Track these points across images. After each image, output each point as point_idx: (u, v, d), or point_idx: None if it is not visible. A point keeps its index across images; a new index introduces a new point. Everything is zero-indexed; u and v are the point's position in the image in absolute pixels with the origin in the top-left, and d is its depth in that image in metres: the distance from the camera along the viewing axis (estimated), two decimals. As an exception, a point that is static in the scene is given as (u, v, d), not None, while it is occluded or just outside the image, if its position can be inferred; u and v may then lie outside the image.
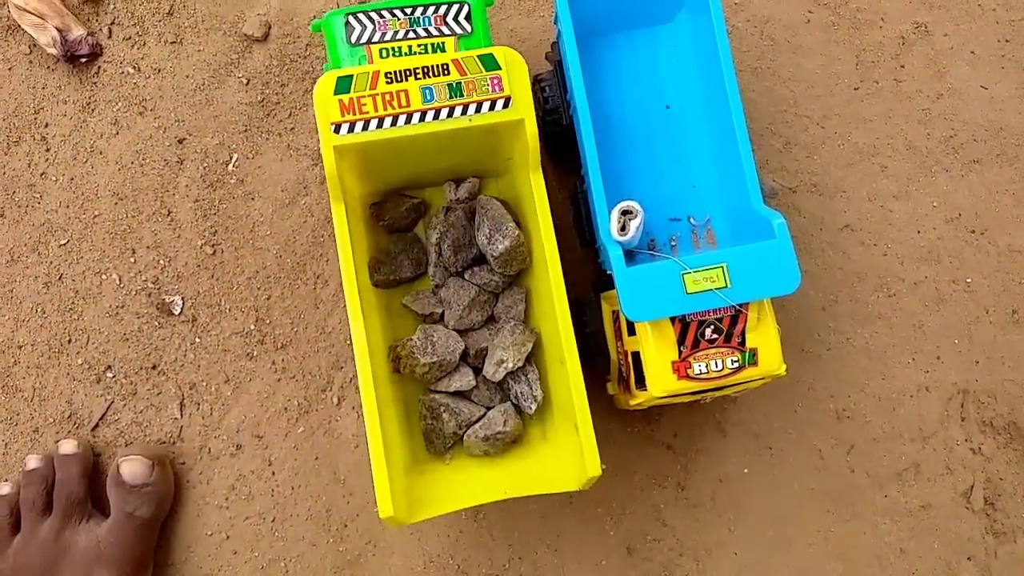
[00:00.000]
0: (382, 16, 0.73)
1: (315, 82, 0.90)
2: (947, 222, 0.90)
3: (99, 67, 0.91)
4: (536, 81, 0.85)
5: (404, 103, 0.68)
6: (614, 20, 0.81)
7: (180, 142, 0.90)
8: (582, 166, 0.78)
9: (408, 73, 0.68)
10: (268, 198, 0.89)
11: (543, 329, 0.78)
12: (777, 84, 0.93)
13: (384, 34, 0.73)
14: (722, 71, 0.74)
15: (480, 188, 0.82)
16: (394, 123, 0.68)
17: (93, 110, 0.91)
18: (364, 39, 0.73)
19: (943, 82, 0.93)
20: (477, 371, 0.80)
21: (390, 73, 0.68)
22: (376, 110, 0.68)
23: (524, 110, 0.69)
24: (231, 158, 0.90)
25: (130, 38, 0.92)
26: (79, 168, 0.89)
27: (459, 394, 0.79)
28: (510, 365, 0.76)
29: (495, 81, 0.69)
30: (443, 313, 0.81)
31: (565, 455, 0.72)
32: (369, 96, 0.68)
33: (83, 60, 0.91)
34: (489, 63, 0.69)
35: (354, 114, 0.67)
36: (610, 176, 0.78)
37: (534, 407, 0.76)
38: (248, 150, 0.90)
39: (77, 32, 0.90)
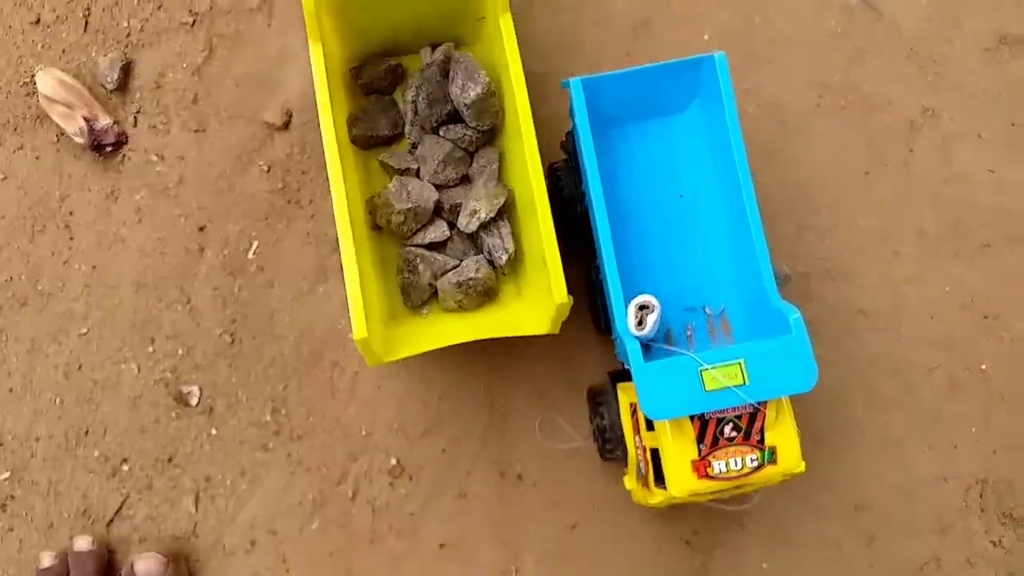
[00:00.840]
0: None
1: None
2: (960, 307, 0.91)
3: (124, 155, 0.94)
4: (551, 170, 0.86)
5: None
6: (628, 111, 0.82)
7: (201, 229, 0.91)
8: (597, 254, 0.79)
9: None
10: (287, 285, 0.90)
11: (517, 190, 0.81)
12: (789, 168, 0.94)
13: None
14: (735, 159, 0.75)
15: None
16: None
17: (117, 198, 0.92)
18: None
19: (951, 166, 0.95)
20: (452, 226, 0.83)
21: None
22: None
23: None
24: (251, 245, 0.91)
25: (155, 126, 0.94)
26: (102, 256, 0.91)
27: (434, 246, 0.82)
28: (483, 215, 0.79)
29: None
30: (419, 169, 0.84)
31: (536, 303, 0.76)
32: None
33: (109, 149, 0.93)
34: None
35: None
36: (625, 265, 0.79)
37: (505, 258, 0.79)
38: (269, 237, 0.91)
39: (104, 121, 0.93)
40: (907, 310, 0.90)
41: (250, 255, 0.91)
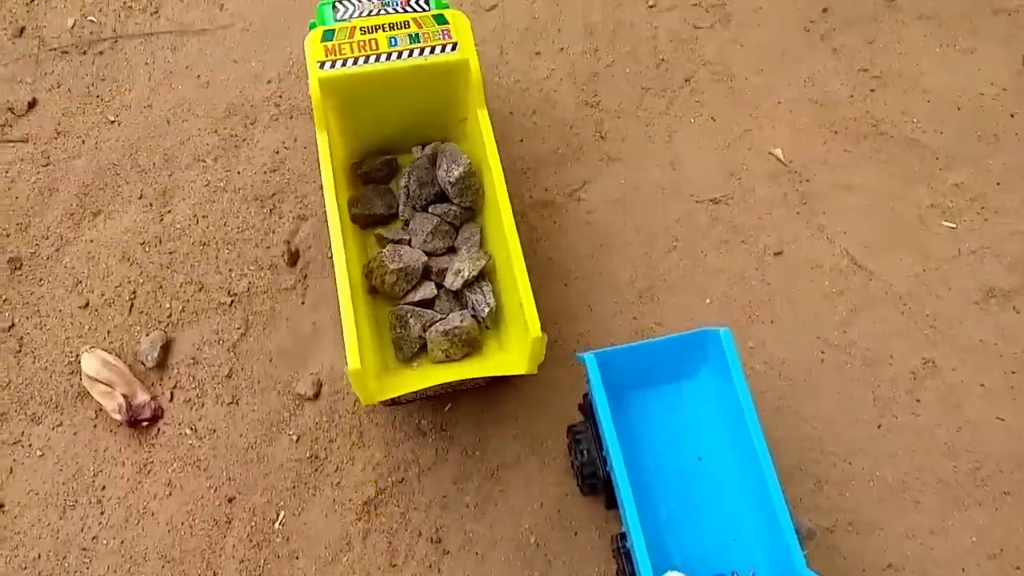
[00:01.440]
0: (360, 1, 0.95)
1: (361, 435, 0.95)
2: (989, 559, 0.90)
3: (159, 429, 0.97)
4: (571, 432, 0.90)
5: (374, 47, 0.88)
6: (642, 379, 0.87)
7: (230, 501, 0.93)
8: (623, 522, 0.80)
9: (377, 27, 0.89)
10: (312, 556, 0.90)
11: (496, 256, 0.92)
12: (800, 423, 0.97)
13: (361, 12, 0.94)
14: (747, 423, 0.78)
15: (441, 150, 1.00)
16: (366, 61, 0.88)
17: (149, 471, 0.95)
18: (346, 16, 0.93)
19: (960, 415, 0.97)
20: (439, 287, 0.93)
21: (364, 27, 0.89)
22: (352, 52, 0.88)
23: (467, 52, 0.89)
24: (278, 515, 0.92)
25: (190, 400, 0.99)
26: (130, 531, 0.92)
27: (423, 303, 0.92)
28: (466, 274, 0.90)
29: (445, 32, 0.89)
30: (410, 240, 0.95)
31: (515, 348, 0.85)
32: (347, 43, 0.88)
33: (145, 424, 0.97)
34: (440, 20, 0.90)
35: (335, 55, 0.87)
36: (651, 531, 0.80)
37: (487, 310, 0.89)
38: (295, 507, 0.93)
39: (142, 397, 0.98)
40: (936, 563, 0.89)
41: (276, 525, 0.92)
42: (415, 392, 0.84)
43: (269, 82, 1.16)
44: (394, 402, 0.92)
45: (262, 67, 1.17)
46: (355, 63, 0.88)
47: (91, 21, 1.20)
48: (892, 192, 1.10)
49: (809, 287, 1.05)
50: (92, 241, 1.07)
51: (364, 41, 0.89)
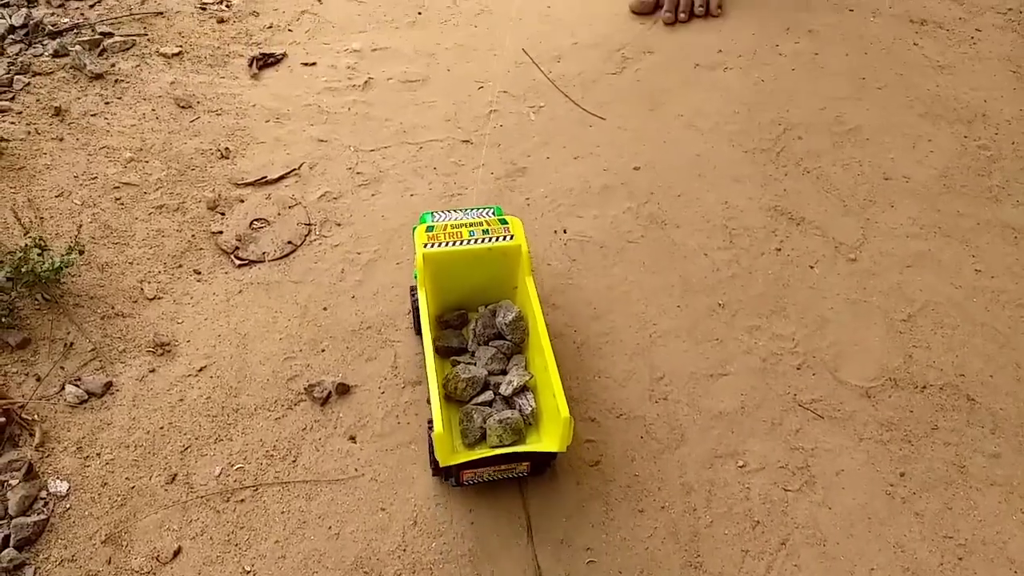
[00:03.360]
0: (452, 211, 1.48)
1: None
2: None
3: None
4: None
5: (459, 236, 1.41)
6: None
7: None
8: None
9: (462, 225, 1.43)
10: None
11: (538, 378, 1.36)
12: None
13: (450, 219, 1.46)
14: None
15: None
16: (454, 244, 1.39)
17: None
18: (441, 220, 1.44)
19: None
20: (496, 394, 1.36)
21: (453, 224, 1.43)
22: (445, 238, 1.40)
23: (520, 241, 1.41)
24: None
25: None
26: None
27: (484, 404, 1.35)
28: (516, 384, 1.34)
29: (506, 230, 1.42)
30: (476, 363, 1.42)
31: (550, 434, 1.25)
32: (442, 233, 1.40)
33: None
34: (503, 222, 1.43)
35: (434, 240, 1.39)
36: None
37: (529, 410, 1.31)
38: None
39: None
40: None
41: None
42: (477, 473, 1.23)
43: (395, 535, 1.26)
44: (458, 483, 1.28)
45: (388, 519, 1.28)
46: (446, 245, 1.39)
47: (236, 469, 1.34)
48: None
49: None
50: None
51: (453, 232, 1.41)
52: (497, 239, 1.41)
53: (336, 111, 1.99)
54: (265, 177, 1.80)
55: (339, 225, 1.73)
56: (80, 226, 1.63)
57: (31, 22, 1.94)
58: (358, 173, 1.84)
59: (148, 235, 1.65)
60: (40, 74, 1.89)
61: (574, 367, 1.49)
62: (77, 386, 1.39)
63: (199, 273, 1.60)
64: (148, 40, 2.06)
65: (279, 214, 1.73)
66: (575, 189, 1.82)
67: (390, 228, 1.72)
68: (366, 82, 2.07)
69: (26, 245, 1.44)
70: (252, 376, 1.45)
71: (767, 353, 1.51)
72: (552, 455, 1.29)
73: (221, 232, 1.67)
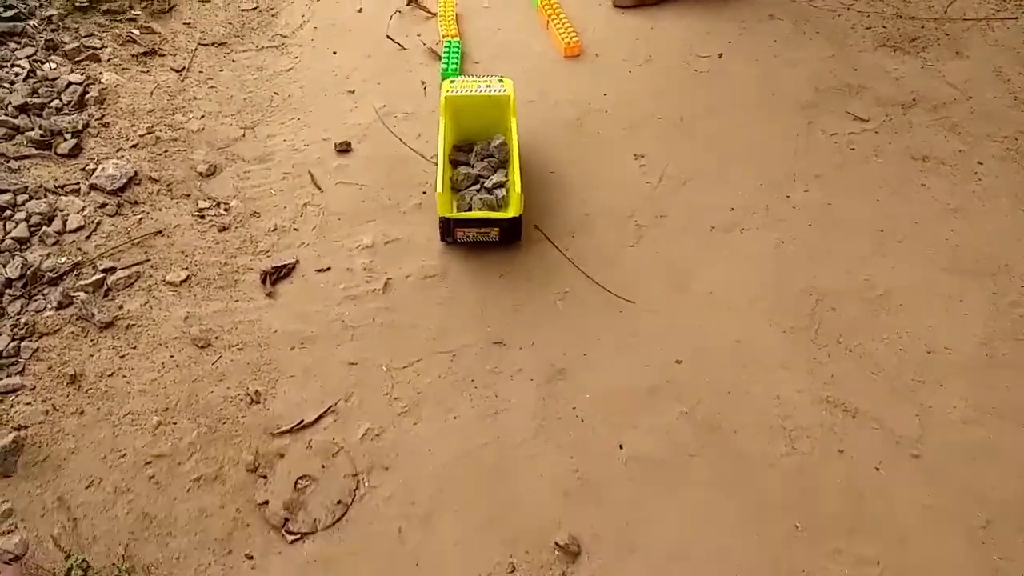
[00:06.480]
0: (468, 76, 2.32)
1: None
2: None
3: None
4: None
5: (471, 88, 2.16)
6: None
7: None
8: None
9: (471, 81, 2.19)
10: None
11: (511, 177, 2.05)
12: None
13: (467, 79, 2.21)
14: None
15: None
16: (463, 92, 2.15)
17: None
18: (460, 80, 2.21)
19: None
20: (482, 186, 2.12)
21: (466, 79, 2.23)
22: (460, 89, 2.16)
23: (510, 92, 2.16)
24: None
25: None
26: None
27: (474, 191, 2.11)
28: (495, 180, 2.10)
29: (501, 85, 2.17)
30: (473, 167, 2.16)
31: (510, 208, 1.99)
32: (460, 84, 2.18)
33: None
34: (501, 82, 2.18)
35: (453, 89, 2.16)
36: None
37: (501, 195, 2.07)
38: None
39: None
40: None
41: None
42: (464, 232, 2.00)
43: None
44: (454, 240, 2.03)
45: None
46: (460, 92, 2.15)
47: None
48: None
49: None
50: None
51: (467, 84, 2.17)
52: (494, 91, 2.15)
53: (361, 324, 1.90)
54: (302, 421, 1.70)
55: (387, 469, 1.64)
56: (125, 550, 1.51)
57: (28, 271, 1.82)
58: (396, 399, 1.76)
59: (190, 518, 1.54)
60: (47, 334, 1.77)
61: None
62: None
63: (251, 559, 1.50)
64: (152, 267, 1.94)
65: (323, 467, 1.63)
66: (622, 392, 1.77)
67: (439, 465, 1.65)
68: (385, 284, 1.99)
69: (68, 569, 1.33)
70: None
71: (857, 584, 1.47)
72: (515, 227, 2.00)
73: (267, 502, 1.57)
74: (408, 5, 2.87)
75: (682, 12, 2.84)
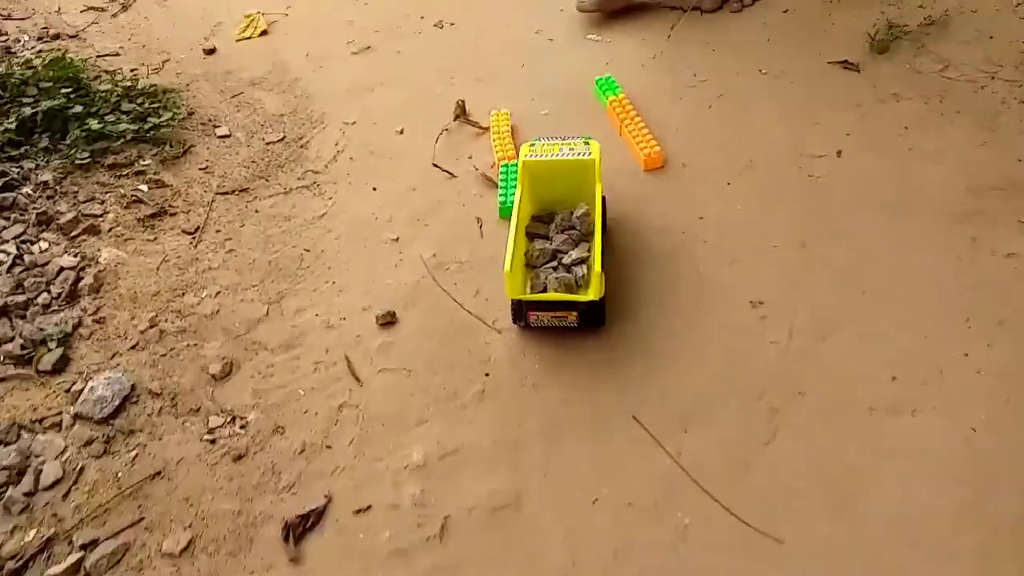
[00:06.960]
0: (552, 137, 1.97)
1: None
2: None
3: None
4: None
5: (551, 151, 1.91)
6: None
7: None
8: None
9: (554, 144, 1.94)
10: None
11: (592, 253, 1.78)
12: None
13: (550, 140, 1.96)
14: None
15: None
16: (543, 156, 1.91)
17: None
18: (541, 142, 1.96)
19: None
20: (560, 264, 1.87)
21: (547, 143, 1.95)
22: (541, 153, 1.92)
23: (596, 156, 1.88)
24: None
25: None
26: None
27: (551, 269, 1.85)
28: (575, 256, 1.84)
29: (586, 148, 1.90)
30: (551, 242, 1.91)
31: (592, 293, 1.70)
32: (540, 149, 1.93)
33: None
34: (586, 143, 1.92)
35: (534, 153, 1.92)
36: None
37: (581, 274, 1.81)
38: None
39: None
40: None
41: None
42: (538, 317, 1.71)
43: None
44: (526, 324, 1.75)
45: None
46: (540, 157, 1.91)
47: None
48: None
49: None
50: None
51: (547, 148, 1.93)
52: (579, 154, 1.89)
53: (414, 596, 1.43)
54: None
55: None
56: None
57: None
58: None
59: None
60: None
61: None
62: None
63: None
64: (146, 529, 1.50)
65: None
66: None
67: None
68: (443, 526, 1.51)
69: None
70: None
71: None
72: (597, 311, 1.72)
73: None
74: (456, 120, 2.44)
75: (774, 92, 2.35)
